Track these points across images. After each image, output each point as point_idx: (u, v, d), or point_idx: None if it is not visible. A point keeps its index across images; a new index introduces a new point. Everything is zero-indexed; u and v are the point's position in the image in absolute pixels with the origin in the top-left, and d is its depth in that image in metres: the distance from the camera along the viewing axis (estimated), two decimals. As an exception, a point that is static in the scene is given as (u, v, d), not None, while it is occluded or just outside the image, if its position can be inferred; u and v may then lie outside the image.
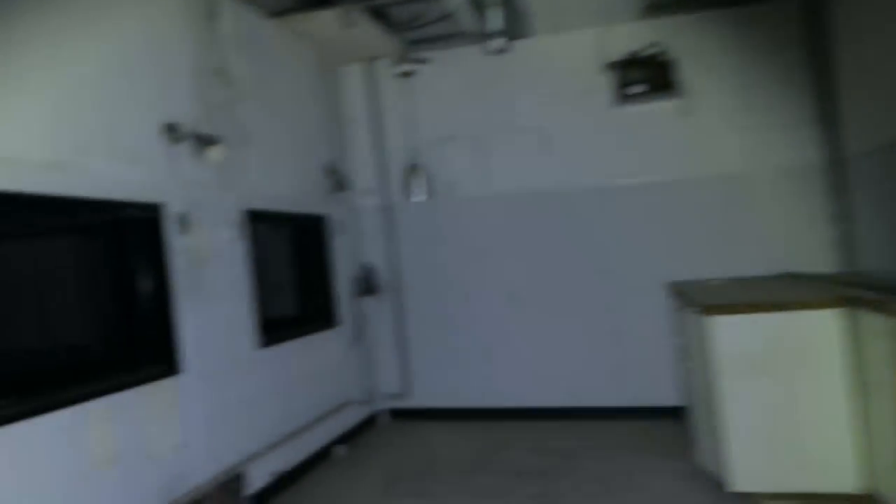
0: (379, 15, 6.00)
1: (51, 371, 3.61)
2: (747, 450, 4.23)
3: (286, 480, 5.19)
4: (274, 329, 5.55)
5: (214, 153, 4.40)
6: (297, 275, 6.42)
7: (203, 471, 4.33)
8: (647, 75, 6.26)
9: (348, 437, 6.32)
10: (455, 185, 6.98)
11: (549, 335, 6.72)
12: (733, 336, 4.26)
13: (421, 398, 7.13)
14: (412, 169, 7.01)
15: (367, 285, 6.99)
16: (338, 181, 6.65)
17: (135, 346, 4.25)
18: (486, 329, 6.90)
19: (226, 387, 4.70)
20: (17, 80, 3.37)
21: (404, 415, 7.14)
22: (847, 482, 4.08)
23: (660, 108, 6.37)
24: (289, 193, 5.92)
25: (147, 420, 3.94)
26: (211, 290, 4.69)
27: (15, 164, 3.31)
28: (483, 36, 6.00)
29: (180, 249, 4.42)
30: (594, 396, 6.61)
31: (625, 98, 6.36)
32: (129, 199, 4.09)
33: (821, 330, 4.12)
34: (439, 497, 4.89)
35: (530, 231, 6.77)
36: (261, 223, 5.50)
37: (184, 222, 4.45)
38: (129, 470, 3.77)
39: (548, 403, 6.73)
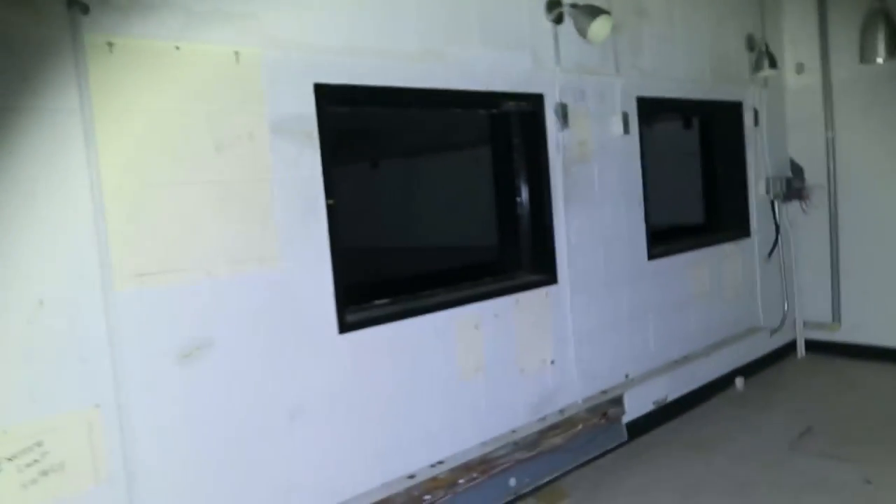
0: None
1: (424, 275, 3.56)
2: None
3: (670, 411, 4.56)
4: (666, 237, 4.78)
5: (598, 27, 3.67)
6: (699, 174, 5.45)
7: (574, 391, 3.96)
8: None
9: (751, 370, 5.31)
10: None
11: None
12: None
13: (849, 332, 5.64)
14: (876, 14, 5.02)
15: (790, 189, 5.59)
16: (761, 57, 5.27)
17: (510, 250, 3.99)
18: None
19: (606, 301, 4.19)
20: (388, -37, 3.13)
21: (825, 349, 5.76)
22: None
23: None
24: (692, 75, 4.88)
25: (518, 331, 3.68)
26: (594, 192, 4.12)
27: (386, 55, 3.13)
28: None
29: (561, 145, 3.91)
30: None
31: None
32: (507, 90, 3.68)
33: None
34: (863, 463, 3.70)
35: None
36: (655, 113, 4.66)
37: (565, 114, 3.90)
38: (499, 382, 3.58)
39: None
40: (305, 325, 2.85)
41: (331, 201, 2.92)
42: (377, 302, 3.27)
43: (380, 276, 3.65)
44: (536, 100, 3.83)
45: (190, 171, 2.54)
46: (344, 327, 2.97)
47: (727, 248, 5.22)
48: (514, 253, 3.97)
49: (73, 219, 2.26)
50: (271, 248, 2.75)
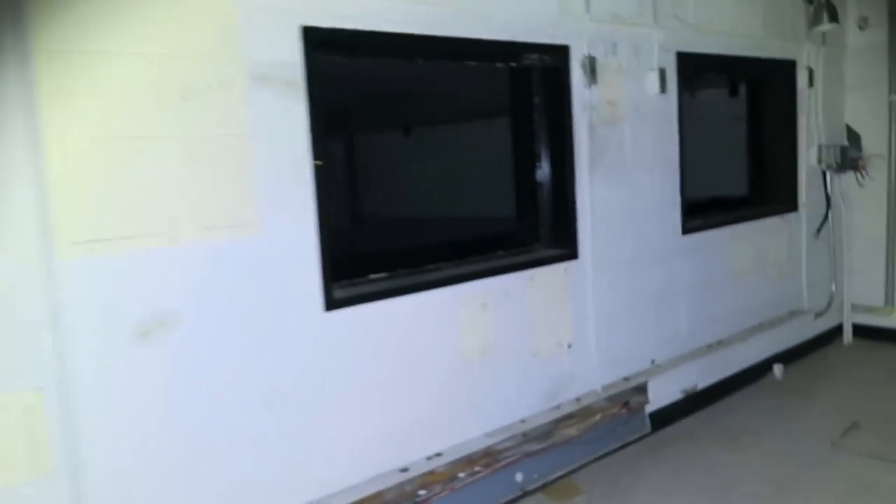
0: None
1: (428, 247, 3.22)
2: None
3: (700, 400, 4.17)
4: (703, 210, 4.35)
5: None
6: (744, 141, 4.96)
7: (593, 377, 3.60)
8: None
9: (792, 357, 4.87)
10: None
11: None
12: None
13: (906, 317, 5.15)
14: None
15: (845, 158, 5.06)
16: (819, 10, 4.70)
17: (527, 222, 3.61)
18: None
19: (632, 279, 3.79)
20: None
21: (876, 335, 5.29)
22: None
23: None
24: (740, 29, 4.36)
25: (532, 311, 3.32)
26: (623, 158, 3.70)
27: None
28: None
29: (587, 105, 3.49)
30: None
31: None
32: (528, 41, 3.27)
33: None
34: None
35: None
36: (697, 71, 4.18)
37: (593, 69, 3.47)
38: (507, 367, 3.24)
39: None
40: (286, 300, 2.53)
41: (318, 162, 2.58)
42: (372, 276, 2.93)
43: (379, 248, 3.30)
44: (561, 52, 3.41)
45: (150, 123, 2.22)
46: (331, 304, 2.65)
47: (771, 223, 4.75)
48: (532, 225, 3.59)
49: (4, 177, 1.96)
50: (247, 213, 2.43)
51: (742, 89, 5.00)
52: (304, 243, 2.57)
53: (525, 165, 3.59)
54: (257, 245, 2.45)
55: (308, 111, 2.54)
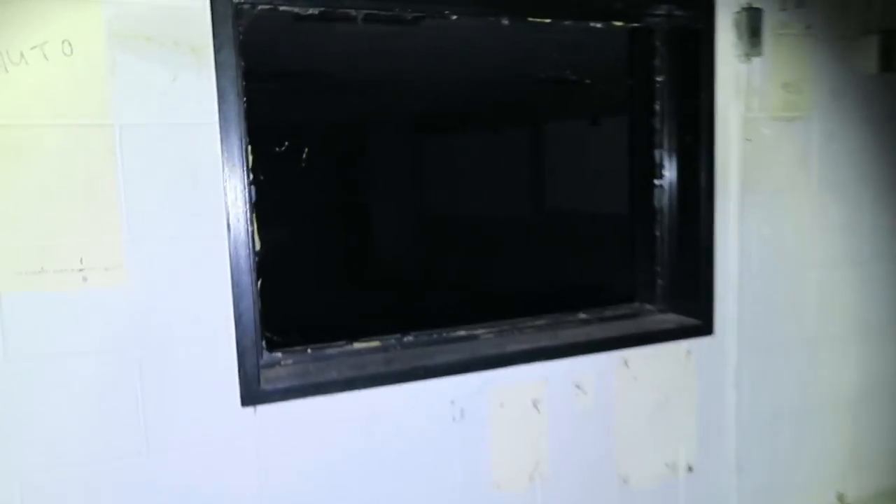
0: None
1: (456, 293, 2.14)
2: None
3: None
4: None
5: None
6: None
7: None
8: None
9: None
10: None
11: None
12: None
13: None
14: None
15: None
16: None
17: (634, 267, 2.38)
18: None
19: (810, 370, 2.38)
20: None
21: None
22: None
23: None
24: None
25: (622, 413, 2.10)
26: (807, 176, 2.32)
27: None
28: None
29: (742, 88, 2.18)
30: None
31: None
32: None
33: None
34: None
35: None
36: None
37: (755, 31, 2.14)
38: (579, 499, 2.05)
39: None
40: (171, 388, 1.60)
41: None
42: (337, 346, 1.91)
43: (375, 292, 2.28)
44: (701, 6, 2.13)
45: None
46: (253, 395, 1.67)
47: None
48: (644, 273, 2.35)
49: None
50: (109, 251, 1.53)
51: None
52: (213, 294, 1.62)
53: (640, 182, 2.36)
54: (125, 301, 1.54)
55: (219, 88, 1.58)
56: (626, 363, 2.09)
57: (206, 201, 1.59)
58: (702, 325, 2.21)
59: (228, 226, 1.62)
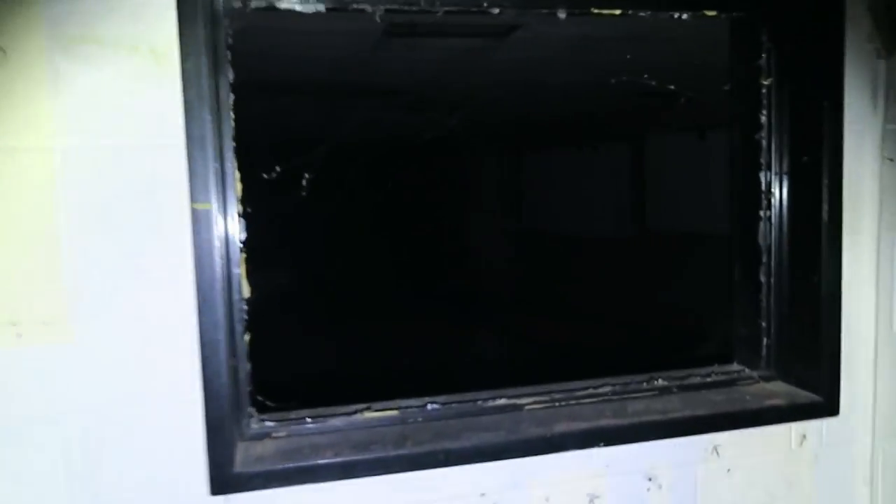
0: None
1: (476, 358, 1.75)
2: None
3: None
4: None
5: None
6: None
7: None
8: None
9: None
10: None
11: None
12: None
13: None
14: None
15: None
16: None
17: (733, 321, 1.90)
18: None
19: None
20: None
21: None
22: None
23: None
24: None
25: (712, 512, 1.62)
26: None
27: None
28: None
29: (879, 90, 1.66)
30: None
31: None
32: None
33: None
34: None
35: None
36: None
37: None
38: None
39: None
40: (122, 469, 1.30)
41: (199, 206, 1.30)
42: (345, 413, 1.54)
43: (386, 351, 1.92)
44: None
45: None
46: (226, 482, 1.35)
47: None
48: (746, 327, 1.86)
49: None
50: (50, 298, 1.26)
51: None
52: (170, 359, 1.31)
53: (739, 209, 1.88)
54: (69, 361, 1.26)
55: (186, 106, 1.28)
56: (716, 450, 1.61)
57: (167, 241, 1.29)
58: (822, 401, 1.68)
59: (197, 269, 1.32)
